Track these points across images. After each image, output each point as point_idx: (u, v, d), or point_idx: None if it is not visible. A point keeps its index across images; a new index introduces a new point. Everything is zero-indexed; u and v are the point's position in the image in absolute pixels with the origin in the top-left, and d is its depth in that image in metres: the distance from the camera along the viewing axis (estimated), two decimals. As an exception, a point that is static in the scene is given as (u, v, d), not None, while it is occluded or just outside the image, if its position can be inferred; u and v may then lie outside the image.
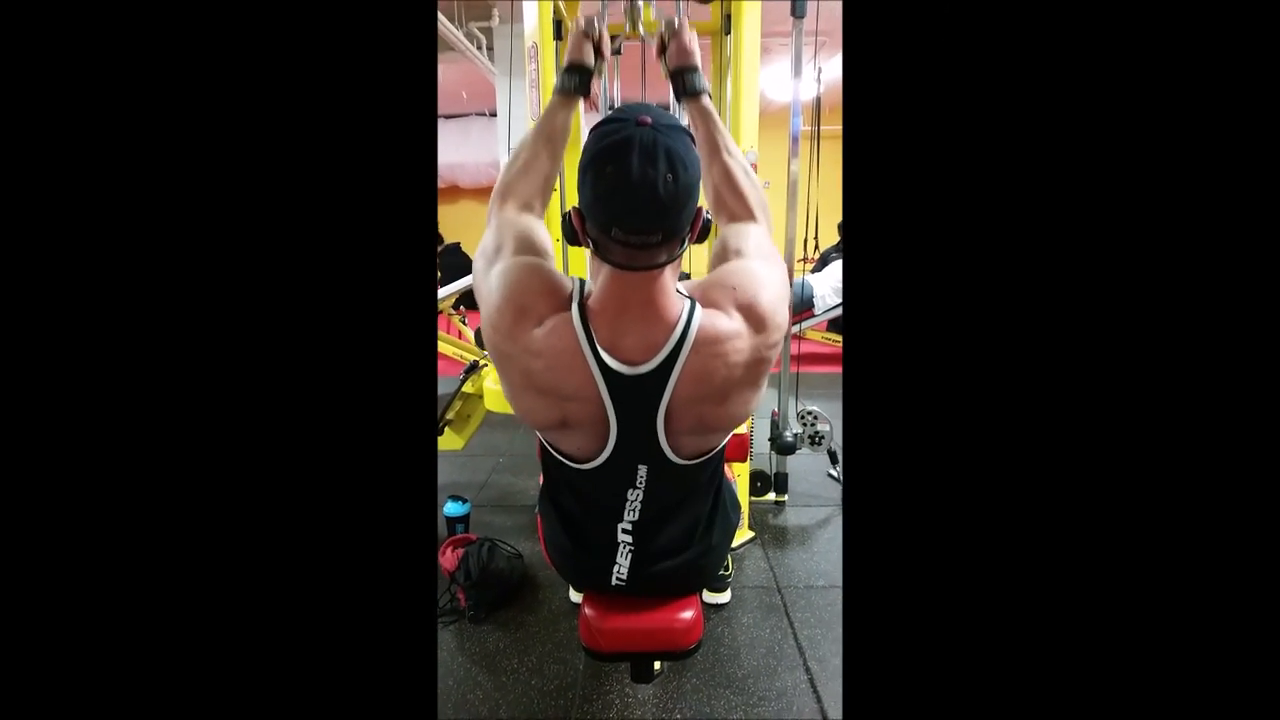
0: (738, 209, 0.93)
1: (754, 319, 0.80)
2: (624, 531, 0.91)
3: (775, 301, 0.82)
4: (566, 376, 0.79)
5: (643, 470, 0.86)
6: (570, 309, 0.79)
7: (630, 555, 0.93)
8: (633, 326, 0.78)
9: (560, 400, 0.81)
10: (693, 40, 1.00)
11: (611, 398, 0.79)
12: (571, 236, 0.79)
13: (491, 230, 0.89)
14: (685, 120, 0.96)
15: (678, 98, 1.00)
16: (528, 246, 0.85)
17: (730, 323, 0.79)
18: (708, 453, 0.88)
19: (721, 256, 0.87)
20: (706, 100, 0.97)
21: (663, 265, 0.76)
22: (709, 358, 0.78)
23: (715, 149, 0.94)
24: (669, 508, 0.91)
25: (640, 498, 0.88)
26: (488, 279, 0.83)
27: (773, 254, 0.89)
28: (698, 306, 0.79)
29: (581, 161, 0.74)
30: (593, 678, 1.46)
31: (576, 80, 0.97)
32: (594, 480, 0.88)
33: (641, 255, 0.74)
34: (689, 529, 0.94)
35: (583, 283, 0.83)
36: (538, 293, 0.80)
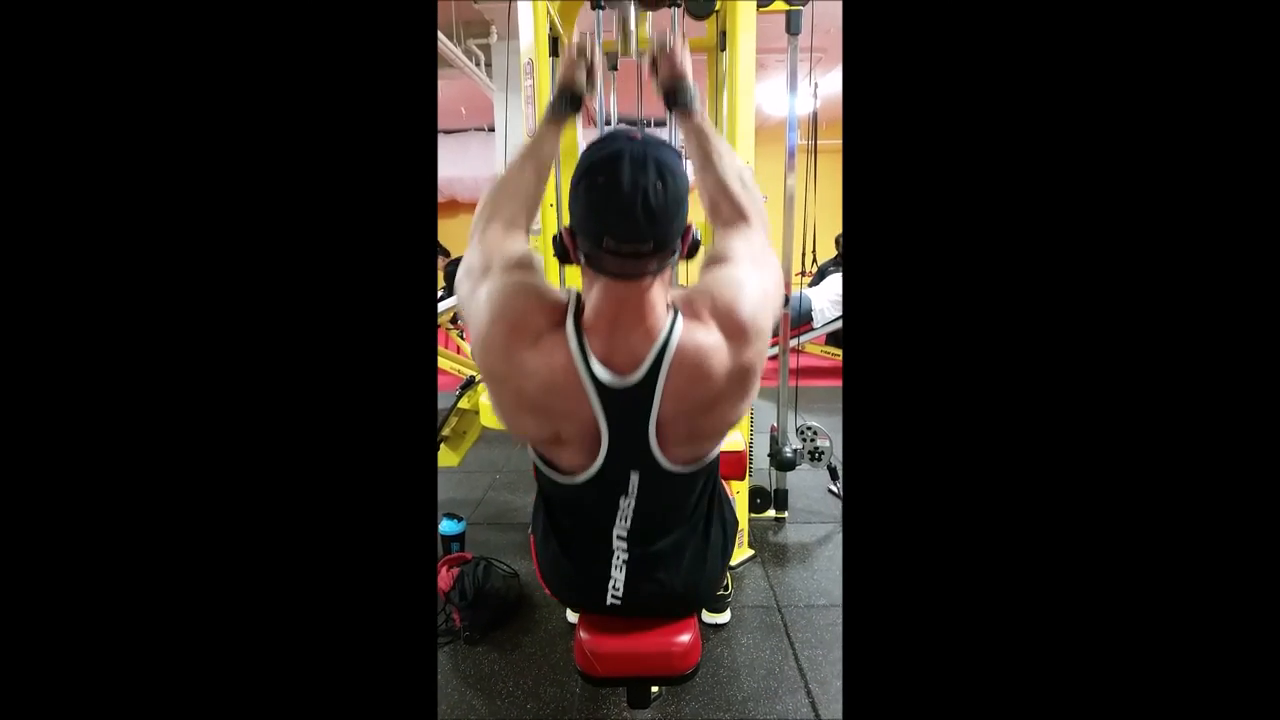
0: (730, 213, 0.92)
1: (732, 328, 0.80)
2: (619, 538, 0.91)
3: (755, 309, 0.81)
4: (560, 396, 0.80)
5: (634, 477, 0.86)
6: (565, 324, 0.80)
7: (625, 567, 0.91)
8: (624, 337, 0.78)
9: (553, 418, 0.82)
10: (684, 57, 0.99)
11: (604, 411, 0.80)
12: (563, 255, 0.81)
13: (476, 250, 0.88)
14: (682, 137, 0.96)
15: (669, 109, 1.00)
16: (517, 263, 0.84)
17: (708, 335, 0.79)
18: (701, 459, 0.88)
19: (710, 260, 0.87)
20: (698, 115, 0.96)
21: (653, 275, 0.77)
22: (691, 370, 0.78)
23: (707, 157, 0.94)
24: (662, 514, 0.91)
25: (632, 505, 0.88)
26: (475, 298, 0.83)
27: (763, 255, 0.88)
28: (680, 318, 0.80)
29: (574, 176, 0.76)
30: (590, 700, 1.43)
31: (568, 103, 0.97)
32: (586, 493, 0.87)
33: (632, 264, 0.75)
34: (683, 541, 0.93)
35: (578, 294, 0.83)
36: (531, 311, 0.80)
